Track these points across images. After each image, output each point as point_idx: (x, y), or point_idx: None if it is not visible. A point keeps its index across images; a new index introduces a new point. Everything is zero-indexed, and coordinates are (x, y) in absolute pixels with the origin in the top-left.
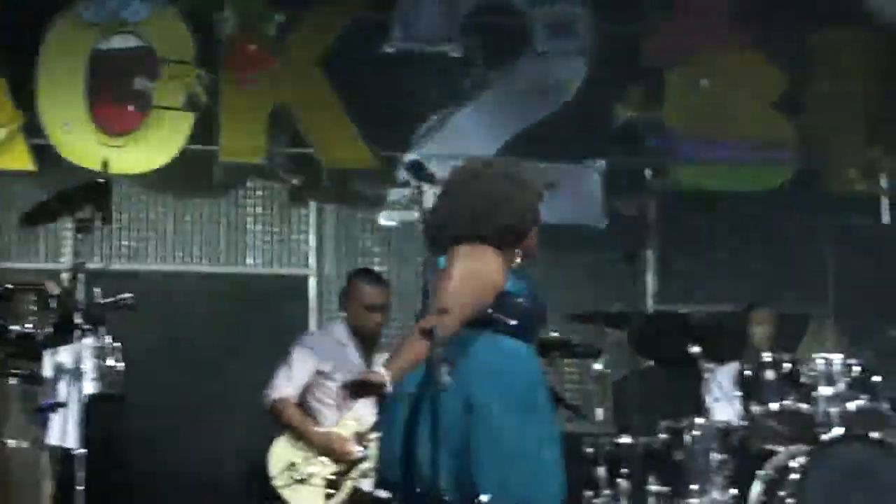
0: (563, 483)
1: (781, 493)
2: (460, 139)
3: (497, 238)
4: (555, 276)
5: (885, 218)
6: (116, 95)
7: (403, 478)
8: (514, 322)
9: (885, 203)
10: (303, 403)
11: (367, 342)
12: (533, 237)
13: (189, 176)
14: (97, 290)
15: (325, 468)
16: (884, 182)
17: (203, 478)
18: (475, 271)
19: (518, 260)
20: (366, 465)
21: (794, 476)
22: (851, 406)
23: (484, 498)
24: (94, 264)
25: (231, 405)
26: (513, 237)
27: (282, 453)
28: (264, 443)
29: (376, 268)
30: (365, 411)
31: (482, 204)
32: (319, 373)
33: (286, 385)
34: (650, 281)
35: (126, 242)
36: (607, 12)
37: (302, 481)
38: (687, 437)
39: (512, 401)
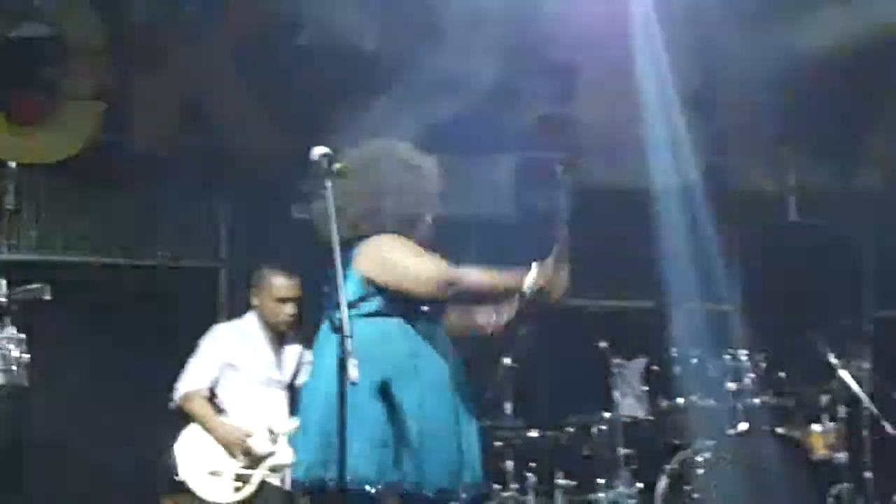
0: (466, 466)
1: (687, 488)
2: (372, 132)
3: (394, 225)
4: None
5: (793, 216)
6: (26, 84)
7: (322, 474)
8: (425, 307)
9: (792, 201)
10: (212, 397)
11: (278, 335)
12: (426, 224)
13: (99, 166)
14: (2, 282)
15: (233, 461)
16: (791, 180)
17: (110, 470)
18: (410, 250)
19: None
20: (274, 460)
21: (699, 470)
22: (757, 401)
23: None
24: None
25: (140, 397)
26: (408, 224)
27: (190, 446)
28: (173, 436)
29: (288, 260)
30: (274, 407)
31: (379, 190)
32: (229, 366)
33: (195, 378)
34: None
35: (34, 232)
36: (521, 6)
37: (210, 474)
38: (594, 432)
39: (419, 386)
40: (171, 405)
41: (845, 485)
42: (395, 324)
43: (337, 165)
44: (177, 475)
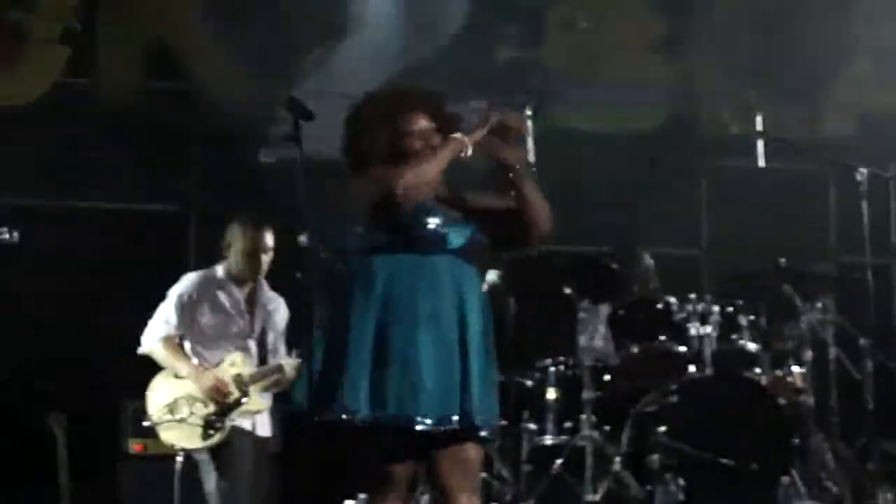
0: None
1: (652, 432)
2: (341, 75)
3: (363, 161)
4: None
5: (761, 161)
6: None
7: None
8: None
9: (760, 146)
10: (181, 345)
11: (249, 285)
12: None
13: (65, 109)
14: None
15: (202, 407)
16: (759, 125)
17: (79, 417)
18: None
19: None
20: (244, 407)
21: (664, 415)
22: (722, 346)
23: None
24: None
25: (109, 343)
26: (376, 159)
27: (159, 392)
28: (141, 383)
29: (255, 205)
30: (244, 355)
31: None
32: (199, 314)
33: (164, 325)
34: None
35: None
36: None
37: (179, 420)
38: (560, 376)
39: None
40: (140, 351)
41: (811, 429)
42: (384, 261)
43: (304, 110)
44: (146, 421)
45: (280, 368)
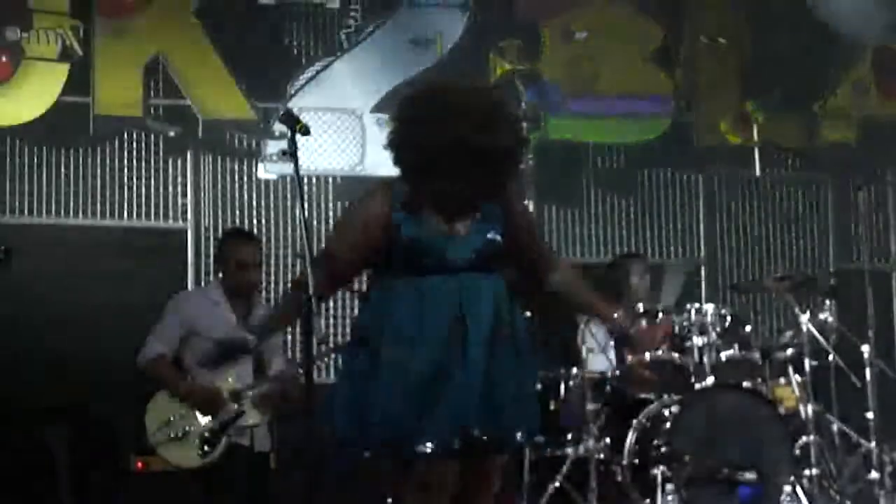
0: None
1: (655, 442)
2: (337, 91)
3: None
4: None
5: (757, 170)
6: None
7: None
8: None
9: (756, 155)
10: (178, 361)
11: (242, 301)
12: None
13: (64, 128)
14: None
15: (199, 425)
16: (756, 135)
17: (77, 434)
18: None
19: None
20: (242, 422)
21: (667, 425)
22: (723, 356)
23: None
24: None
25: (107, 360)
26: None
27: (158, 411)
28: (140, 400)
29: (254, 221)
30: (240, 370)
31: None
32: (193, 332)
33: (159, 343)
34: None
35: None
36: None
37: (178, 438)
38: (563, 388)
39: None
40: (137, 369)
41: (812, 437)
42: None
43: (300, 125)
44: (145, 440)
45: (276, 380)
